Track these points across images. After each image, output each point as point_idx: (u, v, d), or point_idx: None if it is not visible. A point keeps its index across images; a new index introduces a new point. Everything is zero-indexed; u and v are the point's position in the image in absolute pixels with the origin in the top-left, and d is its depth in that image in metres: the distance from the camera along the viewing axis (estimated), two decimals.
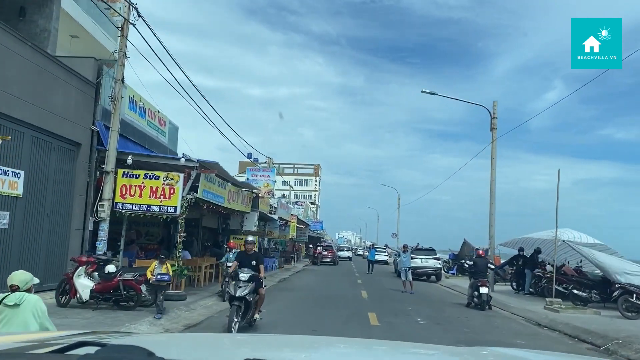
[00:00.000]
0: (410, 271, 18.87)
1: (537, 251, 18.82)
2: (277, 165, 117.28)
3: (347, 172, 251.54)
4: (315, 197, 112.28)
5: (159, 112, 17.63)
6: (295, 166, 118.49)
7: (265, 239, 29.28)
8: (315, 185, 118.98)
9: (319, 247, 39.69)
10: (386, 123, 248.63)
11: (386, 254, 44.30)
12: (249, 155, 30.50)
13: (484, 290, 14.00)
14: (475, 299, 14.21)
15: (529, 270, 18.35)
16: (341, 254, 47.79)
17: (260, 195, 20.12)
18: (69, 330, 2.04)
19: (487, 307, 14.10)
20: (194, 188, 12.77)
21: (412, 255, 32.22)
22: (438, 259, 27.70)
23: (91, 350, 1.24)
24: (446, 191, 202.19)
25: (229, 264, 11.81)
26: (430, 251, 27.21)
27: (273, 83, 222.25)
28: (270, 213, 26.26)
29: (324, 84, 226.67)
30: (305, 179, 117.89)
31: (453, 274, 31.03)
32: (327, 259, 37.40)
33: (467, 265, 23.96)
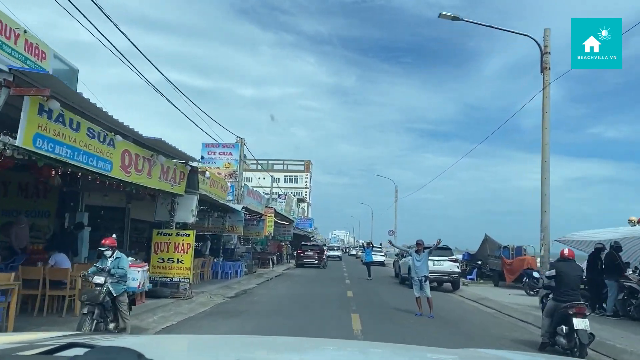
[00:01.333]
0: (428, 282, 12.46)
1: (616, 248, 12.51)
2: (266, 162, 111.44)
3: (340, 172, 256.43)
4: (306, 195, 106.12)
5: (26, 33, 11.06)
6: (285, 162, 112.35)
7: (235, 237, 22.79)
8: (306, 182, 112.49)
9: (303, 247, 33.85)
10: (378, 123, 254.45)
11: (382, 253, 41.16)
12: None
13: (580, 324, 7.51)
14: (563, 339, 7.77)
15: (613, 281, 11.97)
16: (331, 253, 47.66)
17: (201, 170, 13.57)
18: (57, 332, 2.07)
19: (585, 353, 7.65)
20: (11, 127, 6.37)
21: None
22: (455, 260, 21.23)
23: (80, 351, 1.22)
24: (440, 190, 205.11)
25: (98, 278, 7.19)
26: (445, 250, 20.56)
27: (265, 83, 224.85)
28: (233, 203, 19.85)
29: (316, 84, 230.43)
30: (295, 176, 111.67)
31: (472, 279, 24.73)
32: (312, 261, 31.47)
33: (536, 277, 17.20)
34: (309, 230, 57.47)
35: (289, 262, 34.56)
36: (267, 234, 25.49)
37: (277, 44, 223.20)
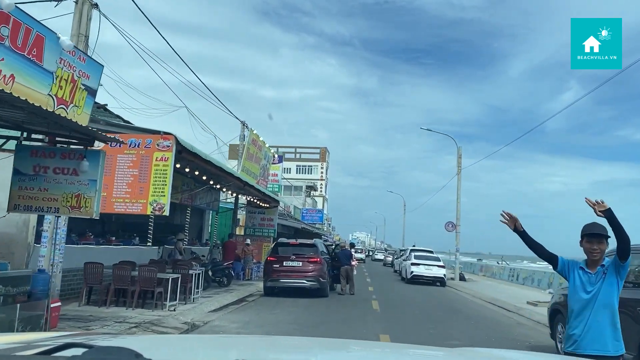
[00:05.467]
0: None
1: None
2: (275, 149, 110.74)
3: (360, 174, 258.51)
4: (321, 188, 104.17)
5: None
6: (297, 150, 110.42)
7: None
8: (322, 173, 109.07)
9: (281, 248, 17.52)
10: (399, 124, 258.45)
11: (440, 263, 26.83)
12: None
13: None
14: None
15: None
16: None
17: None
18: (56, 332, 2.51)
19: None
20: None
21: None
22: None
23: (78, 351, 1.28)
24: (462, 192, 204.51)
25: None
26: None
27: (286, 85, 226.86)
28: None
29: (337, 86, 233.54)
30: (309, 166, 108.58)
31: None
32: (298, 281, 16.26)
33: None
34: (318, 224, 56.03)
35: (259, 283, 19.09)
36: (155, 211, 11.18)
37: (298, 46, 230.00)
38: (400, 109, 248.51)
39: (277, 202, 25.51)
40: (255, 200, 24.32)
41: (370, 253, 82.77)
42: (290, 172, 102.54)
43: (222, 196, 25.18)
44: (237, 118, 22.21)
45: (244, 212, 26.17)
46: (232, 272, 18.33)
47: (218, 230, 26.25)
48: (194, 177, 17.81)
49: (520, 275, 30.10)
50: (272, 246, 17.70)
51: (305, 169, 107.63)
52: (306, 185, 68.33)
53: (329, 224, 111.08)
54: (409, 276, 26.19)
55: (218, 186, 20.39)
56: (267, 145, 19.57)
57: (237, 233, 25.73)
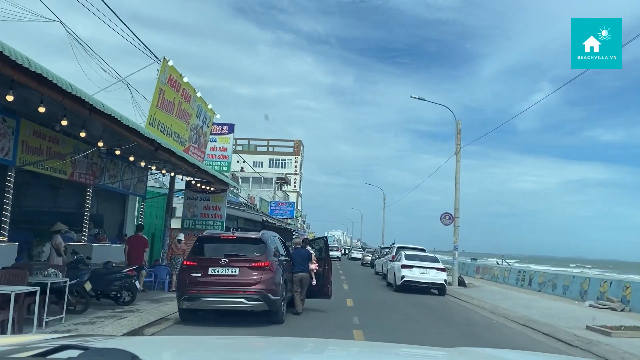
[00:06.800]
0: None
1: None
2: (246, 142, 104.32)
3: (337, 172, 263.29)
4: (295, 182, 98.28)
5: None
6: (270, 143, 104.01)
7: None
8: (296, 167, 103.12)
9: (201, 243, 10.93)
10: (376, 123, 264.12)
11: (438, 266, 20.57)
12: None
13: None
14: None
15: None
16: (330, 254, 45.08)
17: None
18: (51, 334, 2.56)
19: None
20: None
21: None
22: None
23: (73, 353, 1.31)
24: (437, 192, 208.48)
25: None
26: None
27: (263, 82, 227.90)
28: None
29: (314, 84, 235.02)
30: (283, 159, 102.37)
31: None
32: (232, 299, 9.98)
33: None
34: (289, 219, 49.67)
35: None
36: None
37: (274, 43, 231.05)
38: (376, 107, 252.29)
39: (226, 185, 19.21)
40: (196, 183, 18.12)
41: (347, 251, 78.08)
42: (262, 166, 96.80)
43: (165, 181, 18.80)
44: (146, 47, 15.53)
45: (183, 199, 19.95)
46: (137, 282, 12.02)
47: (146, 221, 19.92)
48: (87, 140, 11.51)
49: (534, 280, 24.32)
50: (196, 243, 10.77)
51: (279, 162, 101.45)
52: (277, 177, 61.89)
53: (304, 220, 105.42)
54: (398, 282, 20.16)
55: (132, 158, 14.06)
56: (199, 95, 13.24)
57: (174, 226, 19.45)
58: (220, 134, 19.68)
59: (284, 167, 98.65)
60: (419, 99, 25.49)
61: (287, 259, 12.08)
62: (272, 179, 60.78)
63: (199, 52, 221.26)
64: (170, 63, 11.18)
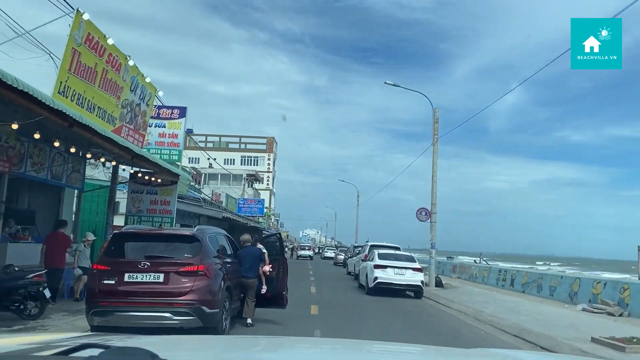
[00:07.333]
0: None
1: None
2: (217, 138, 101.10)
3: (312, 172, 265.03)
4: (268, 180, 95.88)
5: None
6: (242, 140, 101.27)
7: None
8: (269, 165, 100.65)
9: (128, 245, 8.54)
10: (350, 122, 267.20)
11: (415, 266, 18.65)
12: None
13: None
14: None
15: None
16: (302, 253, 53.76)
17: None
18: (73, 333, 2.25)
19: None
20: None
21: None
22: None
23: (95, 352, 1.29)
24: (411, 190, 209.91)
25: None
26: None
27: (237, 80, 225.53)
28: None
29: (288, 83, 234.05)
30: (255, 157, 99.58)
31: None
32: (153, 313, 7.81)
33: None
34: (259, 217, 47.23)
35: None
36: None
37: (249, 41, 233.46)
38: (351, 107, 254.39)
39: (176, 176, 16.86)
40: (143, 175, 15.80)
41: (320, 250, 76.55)
42: (234, 164, 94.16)
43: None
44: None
45: (127, 192, 17.54)
46: (47, 289, 9.68)
47: (85, 217, 17.55)
48: None
49: (516, 280, 22.61)
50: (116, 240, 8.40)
51: (251, 160, 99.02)
52: (247, 174, 59.43)
53: (277, 219, 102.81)
54: (371, 284, 18.15)
55: (57, 144, 11.67)
56: (131, 64, 10.74)
57: (117, 223, 17.04)
58: (170, 118, 17.29)
59: (257, 165, 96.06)
60: (393, 85, 23.59)
61: (236, 260, 9.90)
62: (242, 175, 58.24)
63: (172, 50, 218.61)
64: (86, 17, 8.83)
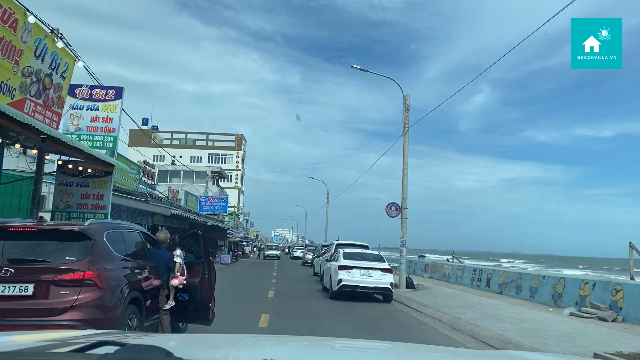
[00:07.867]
0: None
1: None
2: (184, 136, 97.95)
3: (283, 171, 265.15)
4: (237, 179, 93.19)
5: None
6: (209, 137, 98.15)
7: None
8: (237, 162, 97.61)
9: None
10: (322, 122, 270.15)
11: (383, 266, 17.06)
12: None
13: None
14: None
15: None
16: (269, 252, 57.60)
17: None
18: (88, 330, 2.41)
19: None
20: None
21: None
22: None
23: (110, 349, 1.28)
24: (383, 189, 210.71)
25: None
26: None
27: (208, 78, 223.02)
28: None
29: (260, 81, 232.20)
30: (223, 154, 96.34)
31: None
32: None
33: None
34: (221, 215, 44.78)
35: None
36: None
37: (219, 39, 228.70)
38: (323, 106, 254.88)
39: (111, 166, 14.55)
40: (75, 166, 13.48)
41: (289, 250, 74.88)
42: (201, 161, 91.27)
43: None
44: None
45: (55, 185, 15.22)
46: None
47: (4, 214, 15.14)
48: None
49: (493, 280, 20.98)
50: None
51: (219, 157, 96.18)
52: (211, 171, 56.87)
53: (247, 219, 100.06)
54: (335, 287, 16.22)
55: None
56: (32, 22, 8.47)
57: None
58: (105, 100, 14.96)
59: (225, 162, 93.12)
60: (361, 69, 21.74)
61: (160, 265, 7.76)
62: (206, 172, 55.66)
63: (141, 47, 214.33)
64: None
